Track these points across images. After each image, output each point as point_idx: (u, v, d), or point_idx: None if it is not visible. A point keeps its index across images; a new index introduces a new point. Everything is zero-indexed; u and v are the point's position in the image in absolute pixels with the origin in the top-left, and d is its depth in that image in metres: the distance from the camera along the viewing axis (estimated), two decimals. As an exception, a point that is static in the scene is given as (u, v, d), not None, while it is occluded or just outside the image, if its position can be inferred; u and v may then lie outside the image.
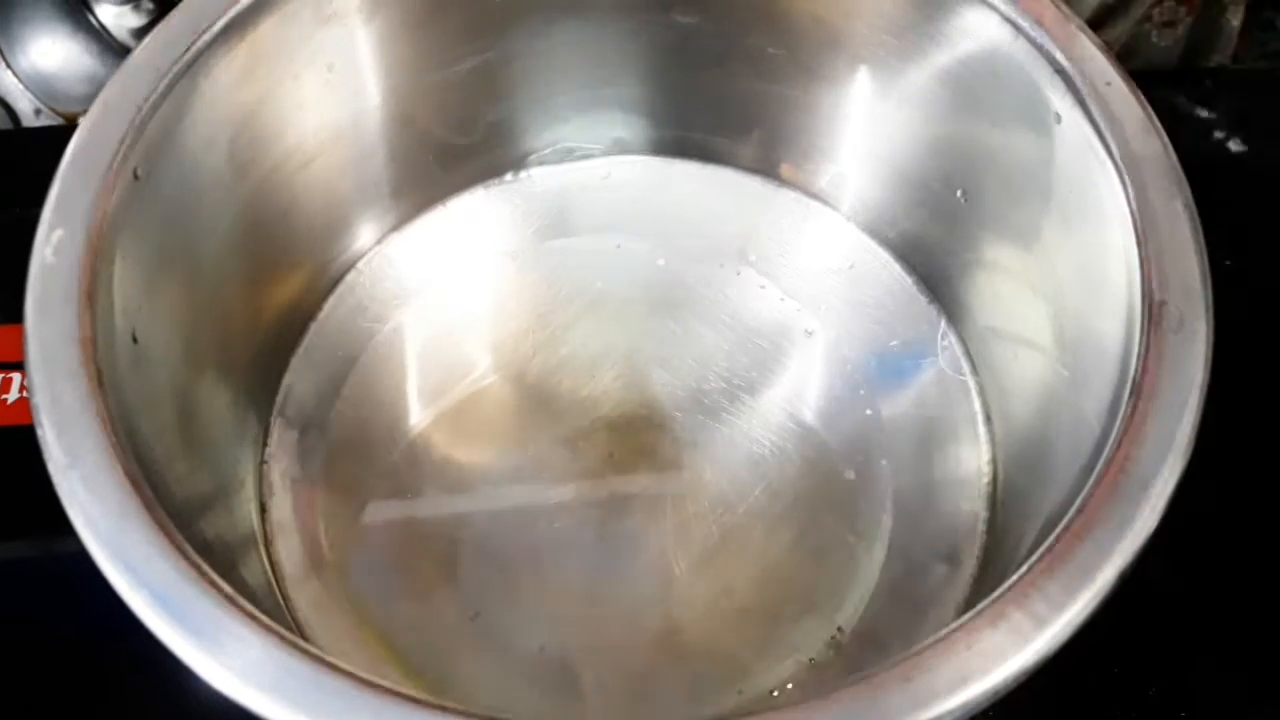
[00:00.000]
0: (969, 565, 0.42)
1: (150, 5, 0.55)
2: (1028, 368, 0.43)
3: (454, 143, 0.49)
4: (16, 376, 0.46)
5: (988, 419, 0.45)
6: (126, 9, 0.55)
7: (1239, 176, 0.54)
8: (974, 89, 0.41)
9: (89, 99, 0.36)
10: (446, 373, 0.47)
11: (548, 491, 0.44)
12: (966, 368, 0.46)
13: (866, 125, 0.47)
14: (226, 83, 0.38)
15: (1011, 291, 0.44)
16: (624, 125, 0.51)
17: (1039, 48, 0.37)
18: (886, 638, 0.40)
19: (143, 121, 0.35)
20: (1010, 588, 0.28)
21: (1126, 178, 0.35)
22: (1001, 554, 0.40)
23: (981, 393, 0.45)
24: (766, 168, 0.51)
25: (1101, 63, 0.37)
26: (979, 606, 0.28)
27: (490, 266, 0.50)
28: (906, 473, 0.44)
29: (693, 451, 0.45)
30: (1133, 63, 0.61)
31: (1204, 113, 0.55)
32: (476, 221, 0.51)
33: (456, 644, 0.41)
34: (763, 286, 0.49)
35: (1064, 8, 0.38)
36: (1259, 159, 0.54)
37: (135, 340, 0.35)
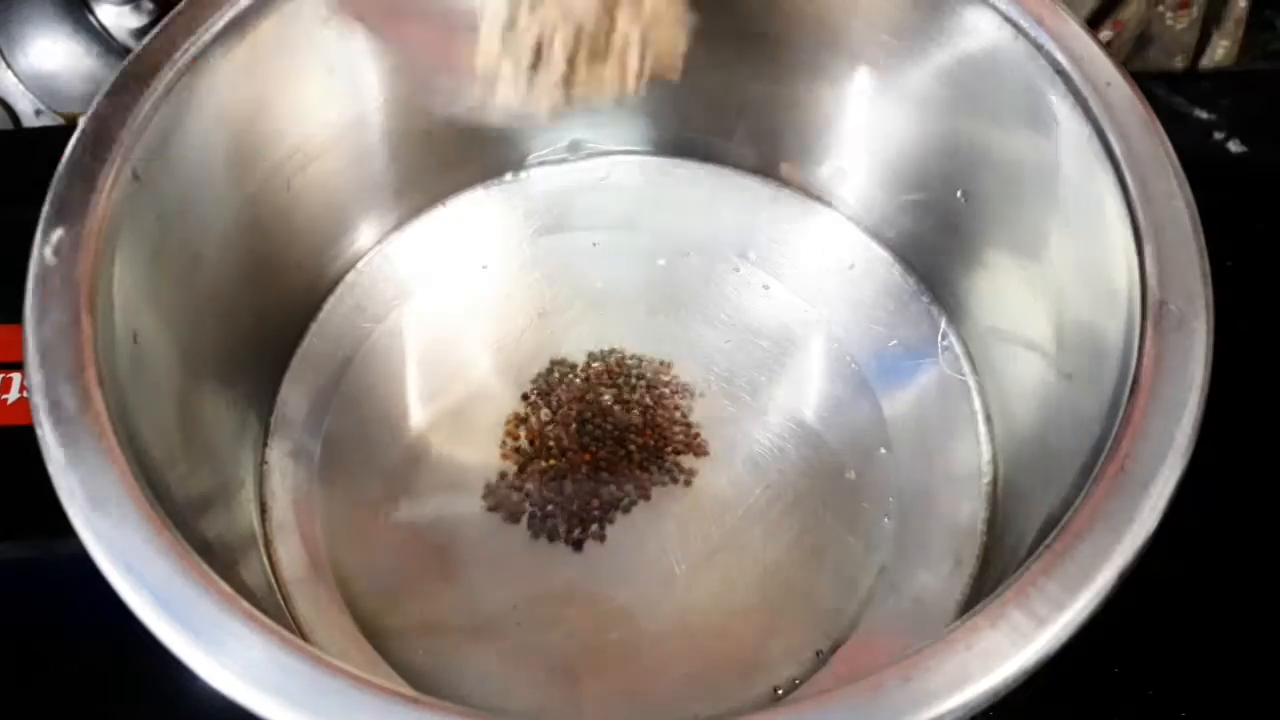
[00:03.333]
0: (969, 565, 0.42)
1: (150, 5, 0.56)
2: (1028, 368, 0.43)
3: (454, 142, 0.49)
4: (16, 376, 0.46)
5: (988, 419, 0.45)
6: (126, 9, 0.55)
7: (1239, 176, 0.54)
8: (974, 89, 0.41)
9: (89, 99, 0.36)
10: (446, 372, 0.47)
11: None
12: (966, 368, 0.46)
13: (866, 125, 0.47)
14: (226, 83, 0.38)
15: (1011, 291, 0.44)
16: (624, 125, 0.51)
17: (1039, 48, 0.37)
18: (887, 638, 0.40)
19: (143, 122, 0.35)
20: (1010, 588, 0.28)
21: (1127, 178, 0.35)
22: (1001, 554, 0.40)
23: (981, 393, 0.45)
24: (766, 168, 0.51)
25: (1102, 63, 0.37)
26: (979, 606, 0.28)
27: (490, 266, 0.50)
28: (906, 473, 0.44)
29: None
30: (1151, 49, 0.61)
31: (1204, 113, 0.55)
32: (476, 221, 0.51)
33: (456, 643, 0.41)
34: (764, 286, 0.49)
35: (1064, 8, 0.38)
36: (1259, 159, 0.54)
37: (135, 340, 0.35)
